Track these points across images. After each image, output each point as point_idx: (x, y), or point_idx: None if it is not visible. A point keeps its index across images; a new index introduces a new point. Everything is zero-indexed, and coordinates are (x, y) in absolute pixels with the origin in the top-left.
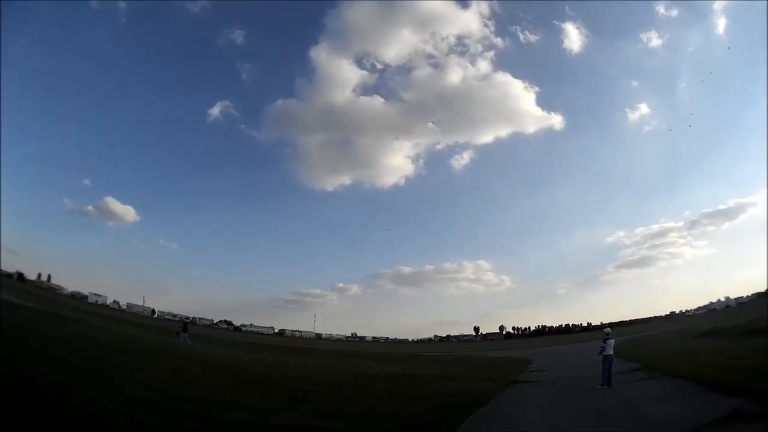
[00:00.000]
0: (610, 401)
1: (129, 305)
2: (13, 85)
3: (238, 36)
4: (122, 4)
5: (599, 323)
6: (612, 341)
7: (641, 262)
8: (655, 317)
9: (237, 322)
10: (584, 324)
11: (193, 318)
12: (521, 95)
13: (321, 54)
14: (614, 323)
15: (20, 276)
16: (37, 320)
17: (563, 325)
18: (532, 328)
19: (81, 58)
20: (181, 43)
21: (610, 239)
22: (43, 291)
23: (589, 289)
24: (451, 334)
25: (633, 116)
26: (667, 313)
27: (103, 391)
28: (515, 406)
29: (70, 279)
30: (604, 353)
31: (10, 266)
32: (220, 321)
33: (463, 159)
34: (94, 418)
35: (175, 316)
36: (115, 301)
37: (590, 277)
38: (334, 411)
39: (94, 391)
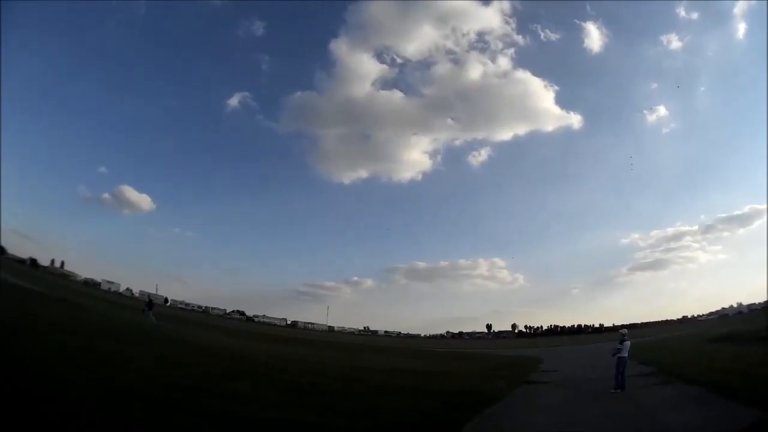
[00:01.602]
0: (625, 406)
1: (142, 293)
2: (32, 73)
3: (258, 27)
4: None
5: (611, 325)
6: (628, 343)
7: (655, 265)
8: (668, 321)
9: (250, 313)
10: (596, 325)
11: (206, 307)
12: (540, 93)
13: (341, 47)
14: (626, 325)
15: (33, 262)
16: (34, 303)
17: (575, 326)
18: (545, 328)
19: (99, 47)
20: (201, 34)
21: (625, 241)
22: (56, 277)
23: (602, 290)
24: (464, 331)
25: (651, 118)
26: (680, 317)
27: (87, 379)
28: (525, 408)
29: (84, 266)
30: (618, 355)
31: (24, 252)
32: (233, 311)
33: (481, 156)
34: (70, 406)
35: (188, 304)
36: (128, 289)
37: (604, 278)
38: (335, 405)
39: (77, 378)
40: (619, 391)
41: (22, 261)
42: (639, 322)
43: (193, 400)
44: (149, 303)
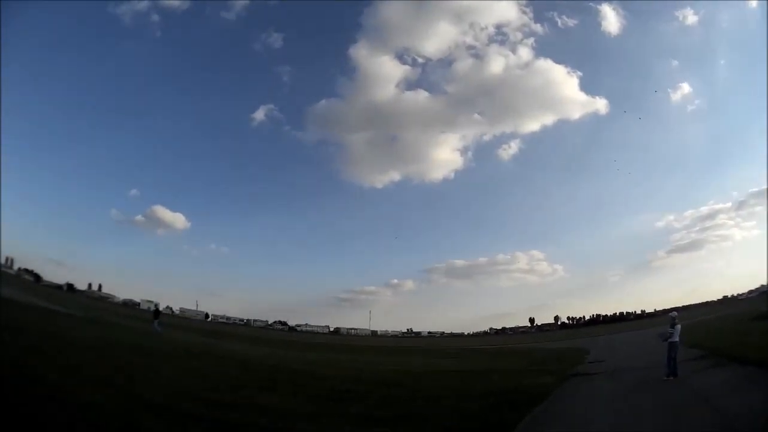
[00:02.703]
0: (681, 394)
1: (182, 310)
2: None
3: (276, 39)
4: (155, 17)
5: (653, 310)
6: (679, 327)
7: (691, 246)
8: (708, 302)
9: (292, 323)
10: (637, 312)
11: (247, 320)
12: (564, 81)
13: (360, 52)
14: (667, 309)
15: (70, 286)
16: (63, 324)
17: (617, 314)
18: (587, 318)
19: (121, 71)
20: (219, 51)
21: (659, 224)
22: (93, 300)
23: (641, 275)
24: (506, 326)
25: (675, 97)
26: (720, 297)
27: (111, 395)
28: (576, 404)
29: (123, 288)
30: (670, 340)
31: (59, 278)
32: (275, 322)
33: (511, 149)
34: (91, 423)
35: (228, 319)
36: (167, 307)
37: (641, 263)
38: (372, 413)
39: (100, 395)
40: (671, 378)
41: (59, 287)
42: (680, 305)
43: (221, 413)
44: (156, 312)
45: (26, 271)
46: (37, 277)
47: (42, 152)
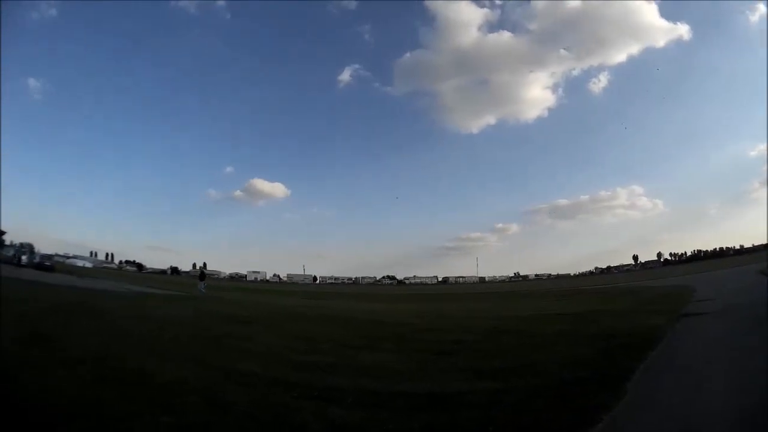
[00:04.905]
0: None
1: (289, 276)
2: (144, 91)
3: (350, 2)
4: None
5: (750, 245)
6: None
7: None
8: None
9: (400, 276)
10: (737, 246)
11: (356, 278)
12: (644, 8)
13: (437, 1)
14: (765, 245)
15: (174, 269)
16: (153, 305)
17: (717, 249)
18: (688, 254)
19: (202, 52)
20: (296, 19)
21: (753, 153)
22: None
23: (738, 207)
24: (611, 265)
25: (753, 18)
26: None
27: (196, 370)
28: (692, 347)
29: (228, 263)
30: None
31: (164, 263)
32: (384, 277)
33: (601, 82)
34: (165, 402)
35: (337, 279)
36: (275, 275)
37: (738, 194)
38: (481, 366)
39: (185, 371)
40: None
41: (162, 272)
42: None
43: (317, 377)
44: (201, 275)
45: (128, 262)
46: (139, 267)
47: (132, 144)
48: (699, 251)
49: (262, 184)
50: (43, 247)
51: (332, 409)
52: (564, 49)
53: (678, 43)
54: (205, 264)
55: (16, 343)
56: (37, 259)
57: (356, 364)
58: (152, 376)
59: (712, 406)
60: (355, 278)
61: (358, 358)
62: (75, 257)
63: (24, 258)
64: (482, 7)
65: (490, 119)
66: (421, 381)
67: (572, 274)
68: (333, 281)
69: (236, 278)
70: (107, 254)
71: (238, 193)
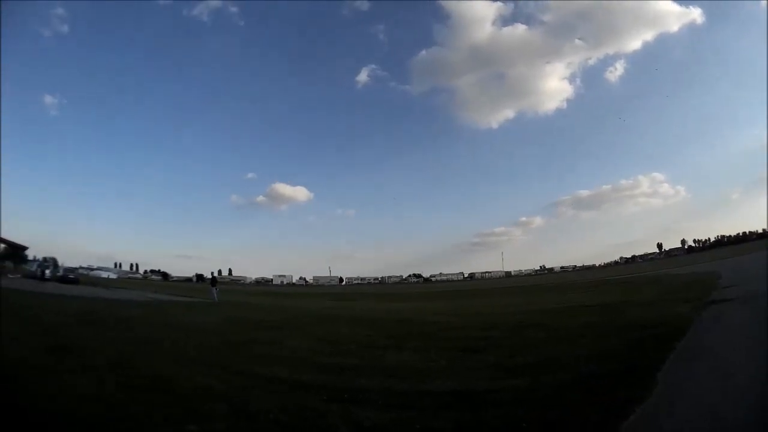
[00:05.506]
0: None
1: (315, 278)
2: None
3: (362, 3)
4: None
5: None
6: None
7: None
8: None
9: (426, 274)
10: (759, 231)
11: (382, 278)
12: None
13: None
14: None
15: (199, 277)
16: (175, 312)
17: (740, 234)
18: (712, 240)
19: (218, 63)
20: (311, 22)
21: None
22: (224, 285)
23: (761, 191)
24: (636, 254)
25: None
26: None
27: (222, 376)
28: (720, 336)
29: (254, 268)
30: None
31: (188, 271)
32: (410, 275)
33: (617, 70)
34: (189, 408)
35: (363, 279)
36: (301, 278)
37: (759, 179)
38: (507, 362)
39: (211, 378)
40: None
41: (188, 279)
42: None
43: (345, 379)
44: (213, 280)
45: (153, 272)
46: (164, 275)
47: (155, 156)
48: (723, 237)
49: (284, 189)
50: (73, 260)
51: (360, 411)
52: (579, 39)
53: (691, 27)
54: (219, 271)
55: (42, 352)
56: (60, 273)
57: (383, 364)
58: (178, 383)
59: (740, 394)
60: (382, 278)
61: (384, 359)
62: (99, 269)
63: (48, 272)
64: (495, 1)
65: (509, 113)
66: (448, 379)
67: (597, 265)
68: (359, 282)
69: (262, 283)
70: (131, 264)
71: (260, 198)
